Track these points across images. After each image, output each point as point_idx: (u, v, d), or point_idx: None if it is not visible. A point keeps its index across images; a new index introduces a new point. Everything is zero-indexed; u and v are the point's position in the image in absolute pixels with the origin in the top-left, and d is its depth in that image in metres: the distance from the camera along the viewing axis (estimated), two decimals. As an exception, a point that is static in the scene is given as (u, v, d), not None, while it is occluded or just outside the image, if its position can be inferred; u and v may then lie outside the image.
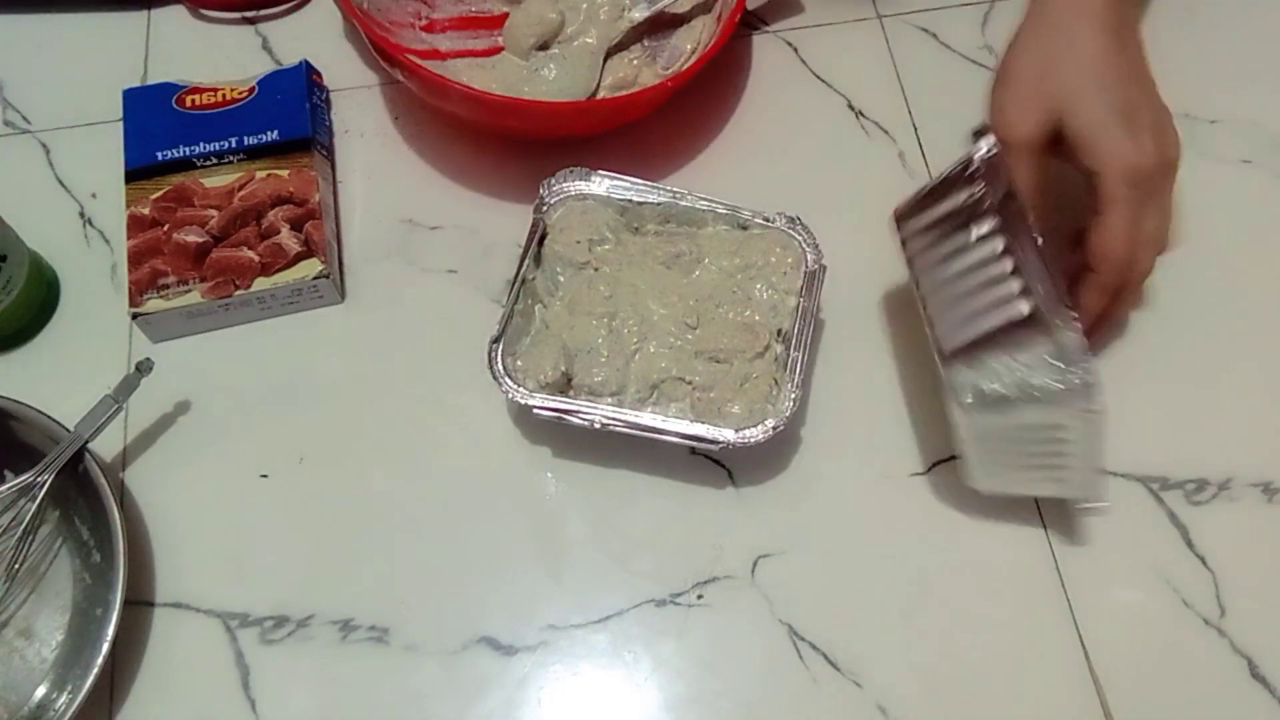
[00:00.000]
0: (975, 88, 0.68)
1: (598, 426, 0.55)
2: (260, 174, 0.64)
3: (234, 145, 0.65)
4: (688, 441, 0.55)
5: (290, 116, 0.66)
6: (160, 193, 0.63)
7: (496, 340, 0.56)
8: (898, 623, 0.57)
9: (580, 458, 0.60)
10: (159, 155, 0.64)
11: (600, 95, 0.68)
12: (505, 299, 0.58)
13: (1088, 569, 0.57)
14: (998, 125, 0.56)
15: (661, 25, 0.70)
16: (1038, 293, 0.50)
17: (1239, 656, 0.56)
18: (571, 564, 0.58)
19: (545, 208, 0.60)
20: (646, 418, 0.55)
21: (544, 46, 0.68)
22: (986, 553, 0.58)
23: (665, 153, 0.68)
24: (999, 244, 0.52)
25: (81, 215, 0.67)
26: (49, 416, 0.56)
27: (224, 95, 0.66)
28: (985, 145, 0.54)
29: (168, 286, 0.61)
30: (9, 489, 0.54)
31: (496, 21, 0.70)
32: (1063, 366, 0.50)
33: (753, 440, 0.54)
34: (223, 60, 0.71)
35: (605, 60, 0.69)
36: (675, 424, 0.55)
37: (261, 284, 0.61)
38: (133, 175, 0.64)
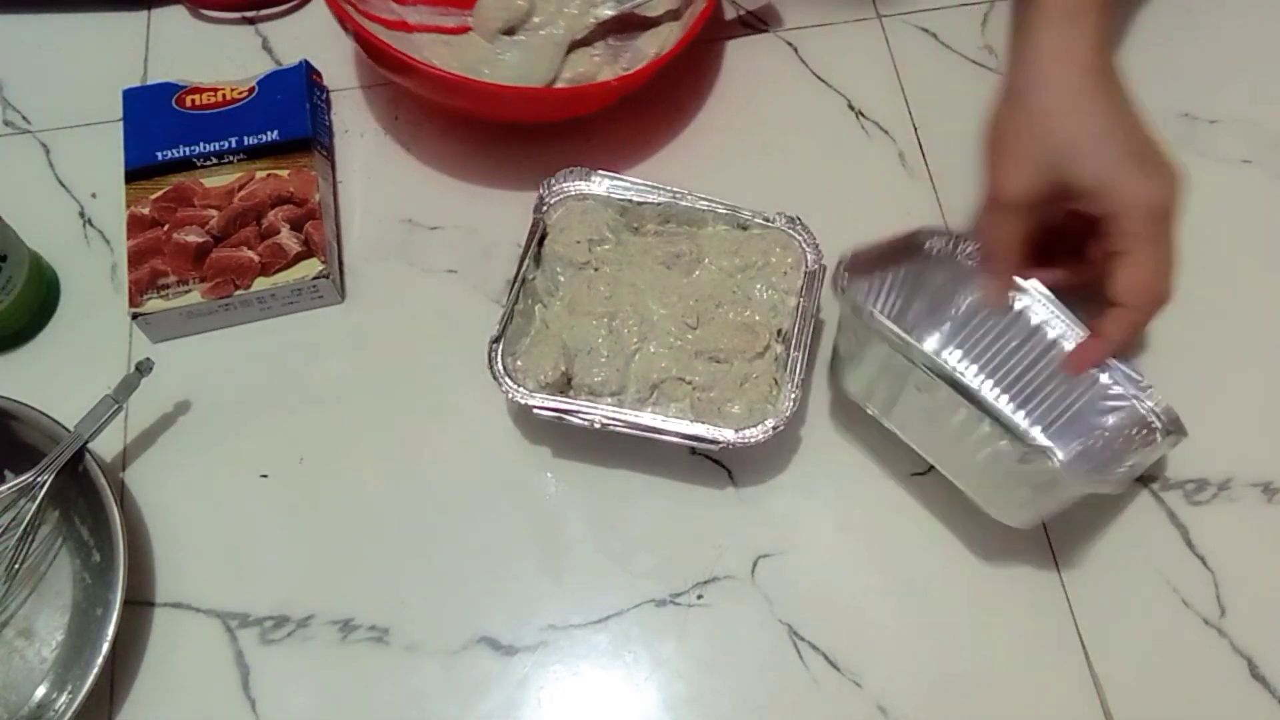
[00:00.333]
0: (975, 88, 0.68)
1: (597, 426, 0.55)
2: (260, 174, 0.64)
3: (234, 145, 0.65)
4: (688, 441, 0.55)
5: (290, 116, 0.66)
6: (160, 193, 0.63)
7: (496, 340, 0.56)
8: (898, 623, 0.57)
9: (580, 458, 0.60)
10: (159, 155, 0.64)
11: (558, 87, 0.68)
12: (505, 299, 0.58)
13: (1088, 569, 0.57)
14: (994, 185, 0.56)
15: (630, 26, 0.69)
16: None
17: (1239, 656, 0.56)
18: (571, 564, 0.58)
19: (545, 208, 0.61)
20: (646, 418, 0.55)
21: (510, 32, 0.68)
22: (986, 553, 0.58)
23: (666, 152, 0.68)
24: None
25: (81, 215, 0.67)
26: (49, 416, 0.56)
27: (224, 95, 0.66)
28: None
29: (168, 286, 0.61)
30: (9, 489, 0.54)
31: (469, 2, 0.70)
32: None
33: (753, 440, 0.54)
34: (223, 60, 0.71)
35: (568, 53, 0.68)
36: (675, 424, 0.55)
37: (261, 284, 0.61)
38: (133, 175, 0.64)
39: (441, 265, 0.65)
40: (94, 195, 0.67)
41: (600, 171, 0.61)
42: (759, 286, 0.60)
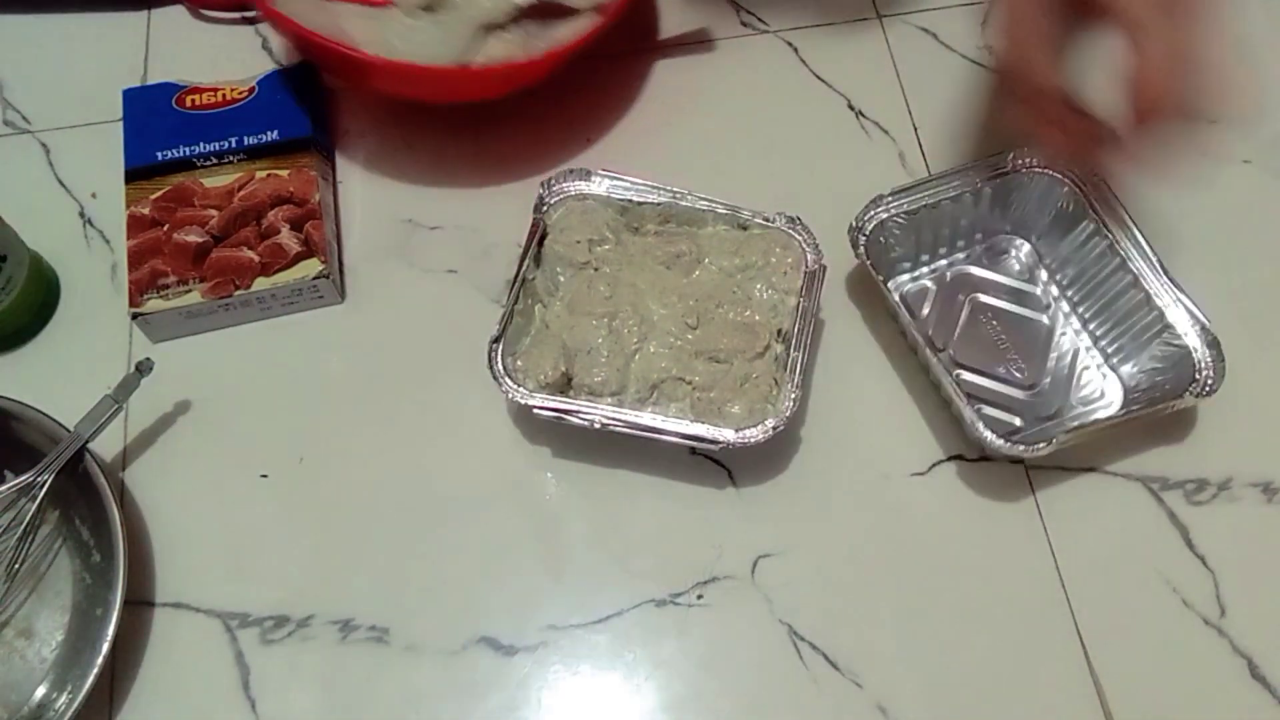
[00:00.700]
0: (975, 88, 0.68)
1: (597, 426, 0.55)
2: (260, 174, 0.64)
3: (234, 145, 0.65)
4: (688, 442, 0.55)
5: (290, 116, 0.66)
6: (160, 193, 0.63)
7: (496, 340, 0.56)
8: (898, 623, 0.57)
9: (580, 458, 0.60)
10: (159, 155, 0.64)
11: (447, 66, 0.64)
12: (505, 299, 0.58)
13: (1088, 569, 0.57)
14: None
15: (551, 14, 0.66)
16: None
17: (1239, 656, 0.56)
18: (571, 564, 0.58)
19: (545, 207, 0.61)
20: (646, 418, 0.55)
21: (430, 9, 0.65)
22: (986, 552, 0.58)
23: (666, 153, 0.68)
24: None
25: (81, 215, 0.67)
26: (49, 416, 0.56)
27: (224, 95, 0.66)
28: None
29: (168, 286, 0.61)
30: (9, 489, 0.54)
31: None
32: None
33: (753, 440, 0.54)
34: (223, 60, 0.71)
35: (486, 37, 0.65)
36: (675, 424, 0.55)
37: (261, 284, 0.61)
38: (133, 175, 0.64)
39: (441, 265, 0.65)
40: (94, 195, 0.67)
41: (601, 171, 0.61)
42: (759, 286, 0.60)
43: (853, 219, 0.60)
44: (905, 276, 0.64)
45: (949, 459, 0.60)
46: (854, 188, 0.64)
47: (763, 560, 0.58)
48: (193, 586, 0.57)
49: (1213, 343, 0.57)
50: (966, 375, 0.61)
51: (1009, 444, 0.55)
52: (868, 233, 0.60)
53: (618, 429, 0.55)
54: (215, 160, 0.64)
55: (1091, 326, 0.62)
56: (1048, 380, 0.61)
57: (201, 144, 0.65)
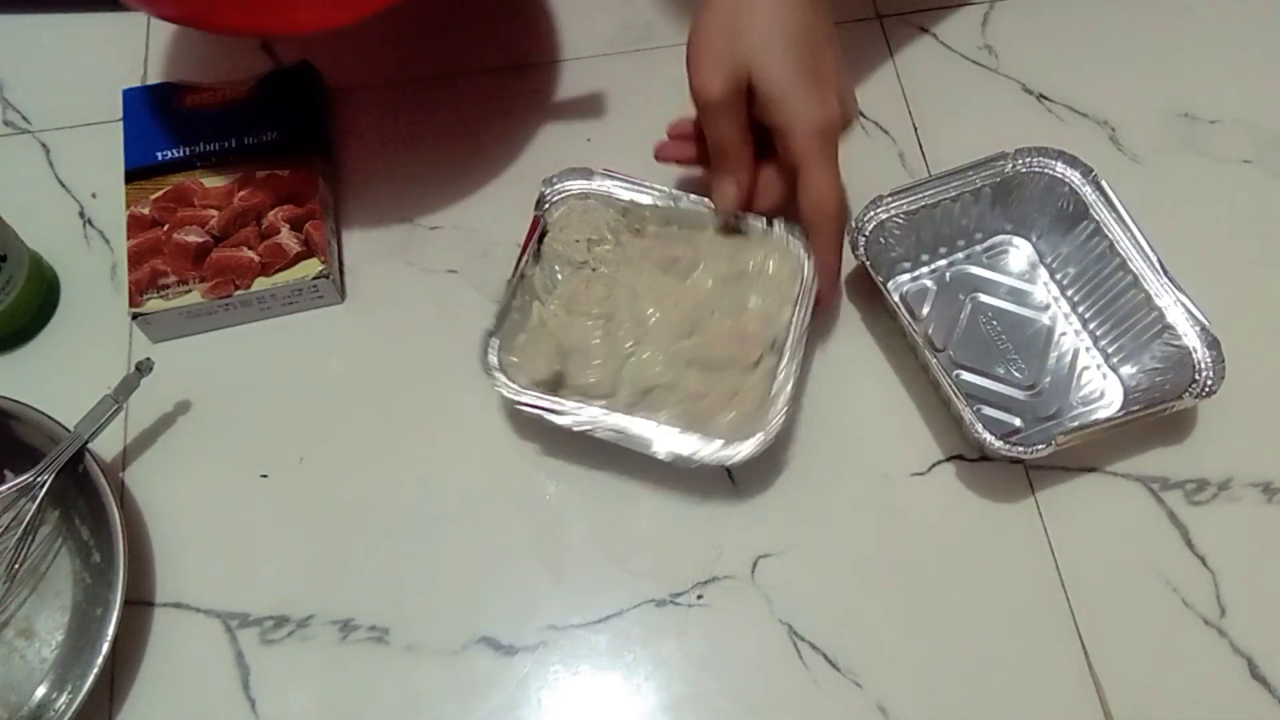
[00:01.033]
0: (975, 88, 0.68)
1: (575, 430, 0.55)
2: (260, 174, 0.64)
3: (234, 145, 0.65)
4: (665, 456, 0.55)
5: (290, 116, 0.66)
6: (160, 193, 0.63)
7: (492, 333, 0.56)
8: (898, 623, 0.57)
9: (580, 458, 0.60)
10: (159, 155, 0.64)
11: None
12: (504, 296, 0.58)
13: (1088, 569, 0.57)
14: (693, 85, 0.56)
15: None
16: None
17: (1239, 656, 0.56)
18: (571, 564, 0.58)
19: (546, 205, 0.61)
20: (635, 424, 0.55)
21: None
22: (986, 553, 0.58)
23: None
24: None
25: (81, 215, 0.67)
26: (49, 416, 0.56)
27: (224, 95, 0.66)
28: None
29: (168, 286, 0.61)
30: (9, 489, 0.54)
31: None
32: None
33: (732, 459, 0.54)
34: (223, 60, 0.71)
35: None
36: (659, 433, 0.55)
37: (261, 284, 0.61)
38: (133, 175, 0.64)
39: (441, 265, 0.65)
40: (94, 195, 0.67)
41: (602, 170, 0.61)
42: (754, 295, 0.59)
43: (852, 219, 0.60)
44: (905, 276, 0.64)
45: (949, 459, 0.60)
46: (854, 188, 0.64)
47: (763, 560, 0.58)
48: (193, 586, 0.57)
49: (1213, 343, 0.57)
50: (966, 375, 0.61)
51: (1008, 445, 0.55)
52: (867, 233, 0.60)
53: (599, 435, 0.55)
54: (215, 160, 0.64)
55: (1091, 326, 0.62)
56: (1048, 380, 0.61)
57: (201, 144, 0.65)
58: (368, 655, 0.56)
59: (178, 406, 0.61)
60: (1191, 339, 0.58)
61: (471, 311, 0.63)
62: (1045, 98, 0.70)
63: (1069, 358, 0.62)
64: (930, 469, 0.60)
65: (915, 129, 0.69)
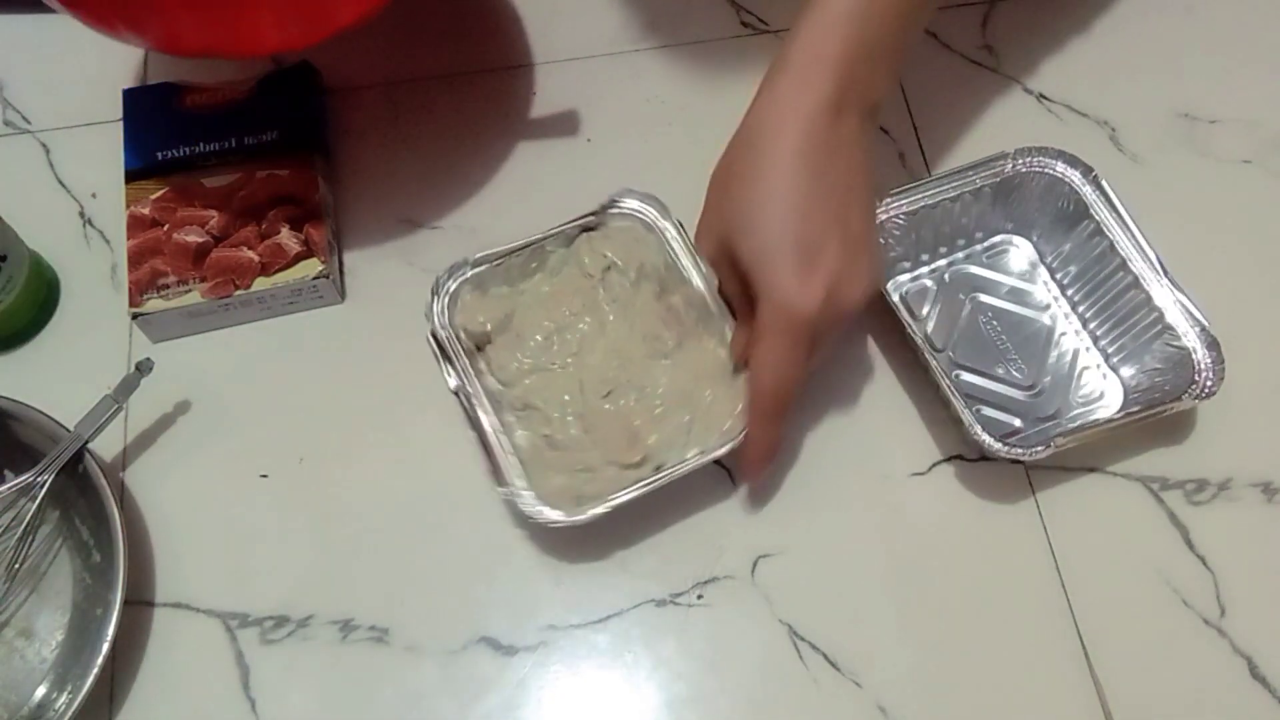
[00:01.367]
0: (975, 88, 0.68)
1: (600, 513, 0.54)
2: (260, 174, 0.64)
3: (234, 145, 0.65)
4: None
5: (290, 116, 0.66)
6: (160, 193, 0.63)
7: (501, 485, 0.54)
8: (898, 623, 0.57)
9: (580, 458, 0.60)
10: (159, 155, 0.64)
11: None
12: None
13: (1088, 569, 0.57)
14: (696, 234, 0.54)
15: None
16: None
17: (1239, 656, 0.56)
18: (571, 564, 0.58)
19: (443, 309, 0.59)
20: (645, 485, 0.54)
21: None
22: (986, 553, 0.58)
23: (666, 153, 0.68)
24: None
25: (81, 215, 0.67)
26: (49, 416, 0.56)
27: (224, 95, 0.66)
28: None
29: (168, 286, 0.61)
30: (9, 489, 0.54)
31: None
32: None
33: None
34: (223, 60, 0.71)
35: None
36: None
37: (261, 284, 0.61)
38: (133, 175, 0.64)
39: (441, 265, 0.65)
40: (94, 195, 0.67)
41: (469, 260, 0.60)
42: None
43: None
44: (905, 276, 0.64)
45: (949, 459, 0.60)
46: (854, 188, 0.64)
47: (763, 560, 0.58)
48: (193, 586, 0.57)
49: (1212, 344, 0.57)
50: (966, 375, 0.61)
51: (1006, 447, 0.55)
52: None
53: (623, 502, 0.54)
54: (215, 160, 0.64)
55: (1092, 326, 0.62)
56: (1047, 379, 0.61)
57: (201, 144, 0.65)
58: (368, 655, 0.56)
59: (178, 406, 0.61)
60: (1191, 339, 0.58)
61: (471, 311, 0.63)
62: (1045, 98, 0.70)
63: (1069, 357, 0.62)
64: (930, 469, 0.60)
65: (915, 129, 0.69)
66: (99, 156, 0.67)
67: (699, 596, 0.57)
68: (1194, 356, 0.57)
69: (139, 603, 0.56)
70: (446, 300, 0.58)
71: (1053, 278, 0.64)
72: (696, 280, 0.58)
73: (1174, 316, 0.58)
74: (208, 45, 0.54)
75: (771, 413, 0.53)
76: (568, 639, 0.56)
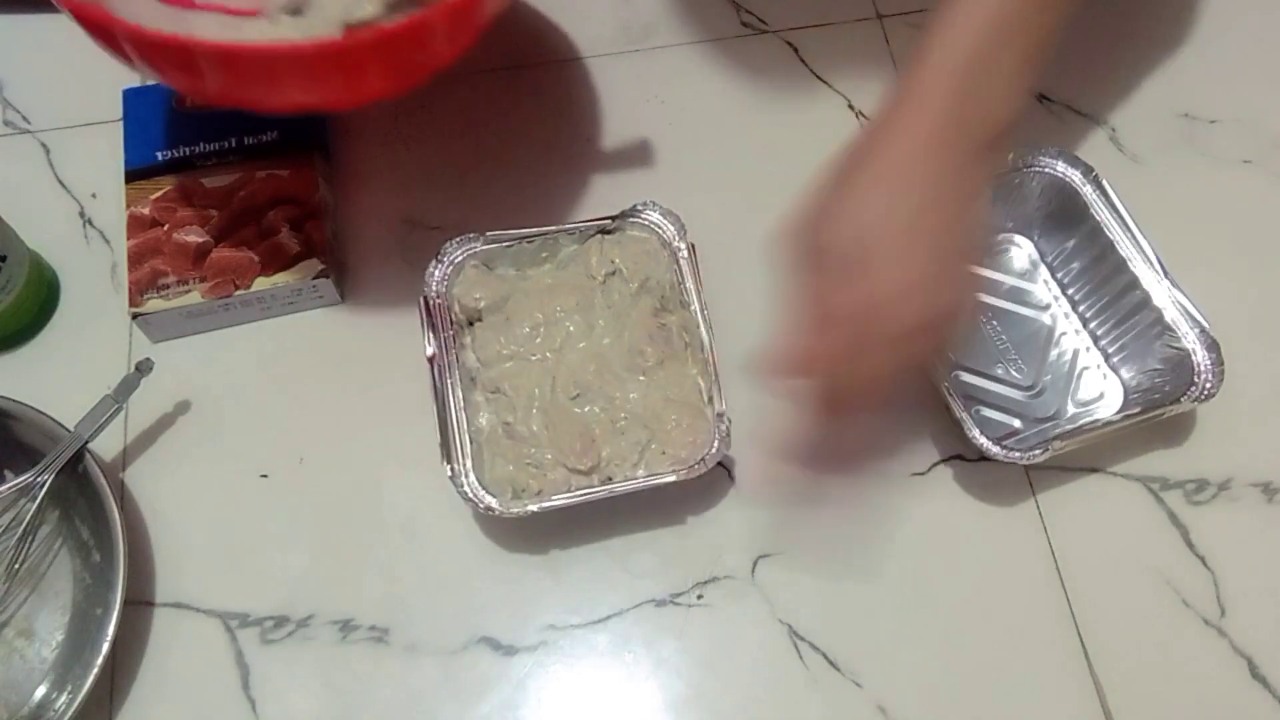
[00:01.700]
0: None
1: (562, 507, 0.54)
2: (260, 174, 0.64)
3: (234, 145, 0.65)
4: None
5: (290, 116, 0.65)
6: (160, 193, 0.63)
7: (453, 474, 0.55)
8: (898, 623, 0.57)
9: (580, 458, 0.60)
10: (159, 155, 0.64)
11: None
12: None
13: (1088, 569, 0.57)
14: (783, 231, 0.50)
15: (407, 5, 0.60)
16: None
17: (1239, 656, 0.56)
18: (571, 564, 0.58)
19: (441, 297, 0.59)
20: (604, 490, 0.55)
21: (295, 11, 0.61)
22: (986, 553, 0.58)
23: (666, 154, 0.68)
24: None
25: (81, 215, 0.67)
26: (49, 416, 0.56)
27: (224, 95, 0.66)
28: None
29: (168, 286, 0.61)
30: (9, 489, 0.54)
31: None
32: None
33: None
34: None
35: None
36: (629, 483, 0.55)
37: (261, 284, 0.61)
38: (133, 175, 0.64)
39: (441, 265, 0.65)
40: (94, 195, 0.67)
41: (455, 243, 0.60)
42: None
43: None
44: None
45: (949, 459, 0.60)
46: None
47: (763, 560, 0.58)
48: (193, 586, 0.57)
49: (1212, 345, 0.57)
50: (965, 376, 0.61)
51: (1004, 450, 0.55)
52: None
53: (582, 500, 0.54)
54: (215, 160, 0.64)
55: (1092, 326, 0.62)
56: (1047, 379, 0.61)
57: (201, 144, 0.65)
58: (368, 655, 0.56)
59: (178, 406, 0.61)
60: (1191, 341, 0.58)
61: (471, 311, 0.63)
62: (1045, 98, 0.70)
63: (1069, 357, 0.62)
64: (930, 469, 0.60)
65: (915, 129, 0.69)
66: (99, 156, 0.67)
67: (699, 596, 0.57)
68: (1194, 358, 0.57)
69: (139, 603, 0.56)
70: (449, 269, 0.59)
71: (1053, 277, 0.64)
72: (696, 306, 0.58)
73: (1174, 317, 0.58)
74: (318, 104, 0.58)
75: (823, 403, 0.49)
76: (567, 639, 0.56)
